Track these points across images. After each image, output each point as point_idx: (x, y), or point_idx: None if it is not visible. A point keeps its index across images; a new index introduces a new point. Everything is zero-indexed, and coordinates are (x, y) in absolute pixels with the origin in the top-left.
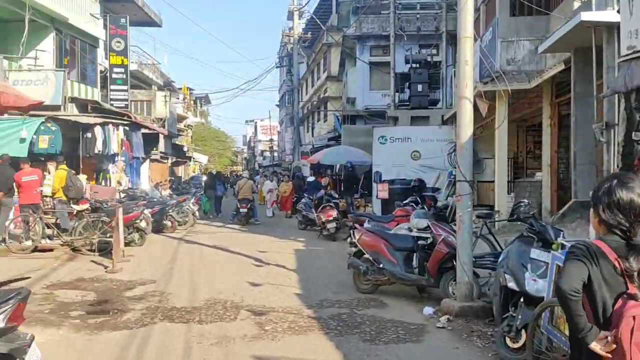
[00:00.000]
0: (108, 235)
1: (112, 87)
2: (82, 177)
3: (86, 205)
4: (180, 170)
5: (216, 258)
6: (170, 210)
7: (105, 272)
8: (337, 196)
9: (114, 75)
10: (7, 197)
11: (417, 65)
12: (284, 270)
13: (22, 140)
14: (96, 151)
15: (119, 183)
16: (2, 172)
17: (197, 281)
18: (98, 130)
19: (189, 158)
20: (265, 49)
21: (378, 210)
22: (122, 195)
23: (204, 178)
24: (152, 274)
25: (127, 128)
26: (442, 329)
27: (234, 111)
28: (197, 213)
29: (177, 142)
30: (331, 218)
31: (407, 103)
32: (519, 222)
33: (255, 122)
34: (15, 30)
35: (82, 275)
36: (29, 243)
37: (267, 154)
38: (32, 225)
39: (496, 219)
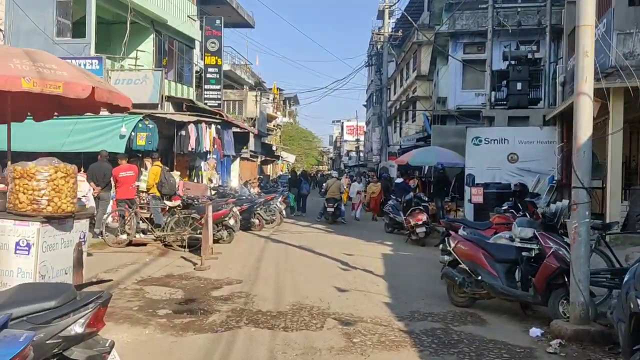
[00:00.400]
0: (198, 231)
1: (206, 86)
2: (176, 174)
3: (178, 202)
4: (268, 169)
5: (302, 259)
6: (258, 209)
7: (194, 269)
8: (426, 199)
9: (208, 75)
10: (105, 191)
11: (516, 62)
12: (371, 276)
13: (122, 136)
14: (189, 149)
15: (210, 180)
16: (99, 167)
17: (283, 283)
18: (192, 128)
19: (278, 157)
20: (355, 49)
21: (470, 215)
22: (213, 192)
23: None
24: (238, 273)
25: (219, 126)
26: (554, 354)
27: (321, 111)
28: (284, 212)
29: (266, 142)
30: (421, 222)
31: (504, 102)
32: (636, 234)
33: (342, 122)
34: (118, 32)
35: (172, 271)
36: (124, 237)
37: (353, 154)
38: (128, 219)
39: (616, 231)
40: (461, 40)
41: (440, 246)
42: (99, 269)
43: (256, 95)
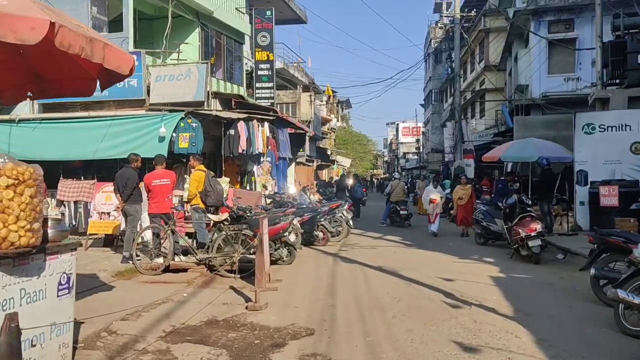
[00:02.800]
0: (251, 251)
1: (258, 84)
2: (224, 181)
3: (225, 215)
4: (324, 174)
5: (389, 288)
6: (322, 219)
7: (246, 308)
8: (529, 202)
9: (259, 72)
10: (131, 204)
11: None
12: (498, 319)
13: (162, 139)
14: (240, 150)
15: (265, 187)
16: (121, 174)
17: (375, 334)
18: (242, 126)
19: (333, 161)
20: (409, 50)
21: (585, 220)
22: (268, 201)
23: (350, 181)
24: (307, 315)
25: (272, 125)
26: None
27: (374, 114)
28: (351, 222)
29: (320, 145)
30: (534, 233)
31: (617, 82)
32: None
33: (397, 124)
34: (161, 28)
35: (216, 313)
36: (160, 261)
37: (410, 156)
38: (164, 239)
39: None
40: (545, 18)
41: (592, 271)
42: (117, 312)
43: (310, 95)
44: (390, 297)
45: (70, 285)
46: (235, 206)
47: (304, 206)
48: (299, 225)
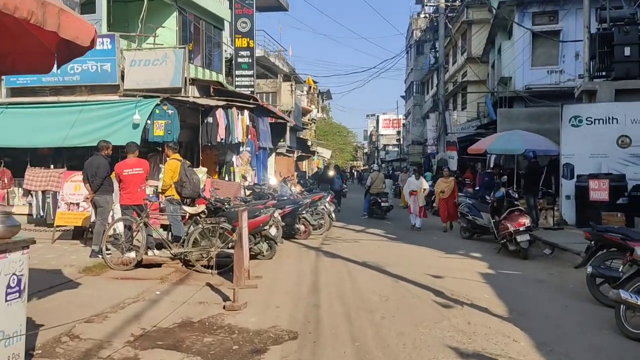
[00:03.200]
0: (230, 245)
1: (237, 72)
2: (201, 171)
3: (202, 207)
4: (304, 165)
5: (376, 286)
6: (304, 211)
7: (224, 309)
8: (516, 196)
9: (239, 60)
10: (101, 195)
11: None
12: (493, 320)
13: (135, 126)
14: (218, 139)
15: (244, 178)
16: (90, 163)
17: (364, 339)
18: (220, 114)
19: (313, 153)
20: (393, 39)
21: (571, 215)
22: (248, 192)
23: (331, 173)
24: (289, 315)
25: (252, 113)
26: None
27: (354, 105)
28: (333, 214)
29: (301, 136)
30: (523, 228)
31: (604, 73)
32: None
33: (377, 116)
34: (136, 11)
35: (191, 314)
36: (132, 255)
37: (390, 148)
38: (136, 232)
39: None
40: (529, 10)
41: (589, 269)
42: (82, 313)
43: (291, 85)
44: (377, 295)
45: (22, 288)
46: (212, 198)
47: (285, 198)
48: (280, 218)
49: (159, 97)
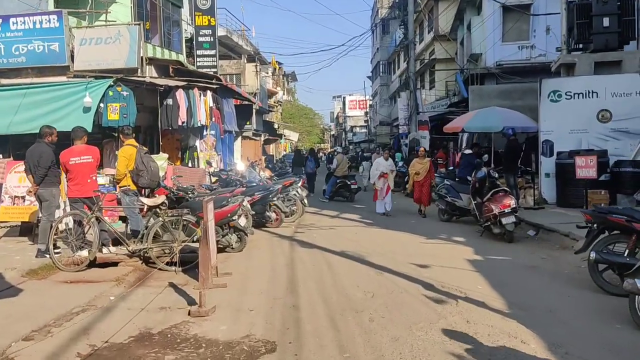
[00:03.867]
0: (195, 238)
1: (199, 52)
2: (161, 157)
3: (162, 198)
4: (271, 149)
5: (359, 280)
6: (275, 198)
7: (189, 315)
8: (497, 175)
9: (200, 39)
10: (45, 187)
11: None
12: (493, 316)
13: (87, 109)
14: (180, 122)
15: (209, 164)
16: (31, 152)
17: (352, 348)
18: (181, 95)
19: (280, 136)
20: (361, 15)
21: (551, 193)
22: (213, 179)
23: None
24: (265, 320)
25: (216, 94)
26: None
27: (322, 87)
28: (306, 200)
29: (267, 119)
30: (508, 209)
31: (581, 46)
32: None
33: (344, 97)
34: None
35: (150, 324)
36: (84, 253)
37: (357, 129)
38: (88, 228)
39: None
40: None
41: (592, 255)
42: (21, 328)
43: (256, 65)
44: (362, 291)
45: None
46: (174, 187)
47: (254, 184)
48: (249, 206)
49: (112, 77)
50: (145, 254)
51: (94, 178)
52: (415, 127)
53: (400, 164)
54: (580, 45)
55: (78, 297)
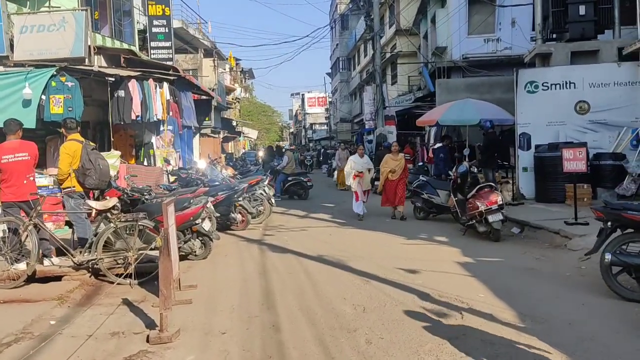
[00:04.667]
0: (153, 245)
1: (153, 43)
2: (113, 155)
3: (114, 201)
4: (230, 147)
5: (344, 291)
6: (240, 198)
7: (148, 342)
8: (475, 170)
9: (154, 30)
10: None
11: None
12: (508, 332)
13: (27, 102)
14: (133, 116)
15: (167, 162)
16: None
17: None
18: (134, 86)
19: (239, 133)
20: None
21: (529, 188)
22: (172, 178)
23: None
24: (241, 346)
25: (173, 87)
26: None
27: (280, 84)
28: (273, 199)
29: (226, 116)
30: (495, 206)
31: (554, 36)
32: None
33: (303, 95)
34: None
35: (98, 355)
36: (21, 266)
37: (317, 127)
38: (25, 236)
39: None
40: None
41: (607, 257)
42: None
43: (214, 60)
44: (350, 305)
45: None
46: (128, 187)
47: (217, 183)
48: (212, 207)
49: (54, 66)
50: (95, 266)
51: (32, 179)
52: (382, 122)
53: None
54: (554, 35)
55: (11, 322)
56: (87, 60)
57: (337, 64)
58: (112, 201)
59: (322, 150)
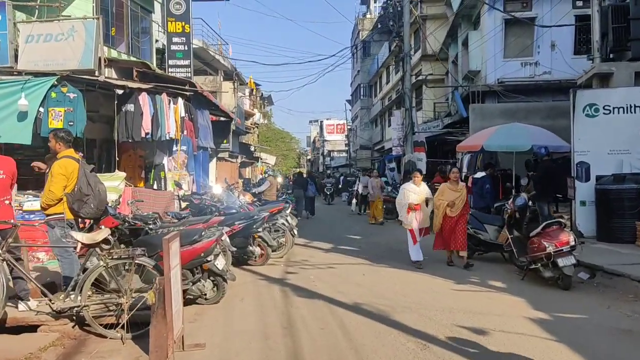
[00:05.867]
0: (154, 289)
1: (171, 62)
2: (117, 177)
3: (105, 233)
4: (247, 172)
5: (391, 356)
6: (260, 229)
7: None
8: (530, 203)
9: (172, 47)
10: None
11: None
12: None
13: (22, 115)
14: (143, 134)
15: (178, 186)
16: None
17: None
18: (145, 100)
19: (257, 159)
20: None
21: (589, 224)
22: (183, 204)
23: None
24: None
25: (189, 103)
26: None
27: (298, 108)
28: (295, 230)
29: (244, 141)
30: (567, 247)
31: (612, 56)
32: None
33: (321, 122)
34: None
35: None
36: None
37: (335, 154)
38: None
39: None
40: None
41: None
42: None
43: (234, 83)
44: None
45: None
46: (130, 214)
47: (234, 211)
48: (228, 240)
49: (55, 75)
50: (79, 313)
51: (7, 202)
52: (410, 148)
53: (389, 189)
54: (611, 55)
55: None
56: (96, 72)
57: (357, 91)
58: (102, 233)
59: (342, 177)
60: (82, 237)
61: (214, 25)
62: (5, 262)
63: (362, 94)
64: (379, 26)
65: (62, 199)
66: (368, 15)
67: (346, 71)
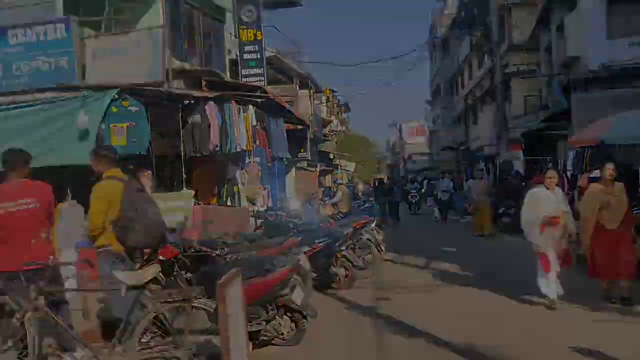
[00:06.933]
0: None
1: (244, 71)
2: (184, 195)
3: (154, 270)
4: (327, 180)
5: None
6: (344, 247)
7: None
8: None
9: (245, 56)
10: None
11: None
12: None
13: (83, 133)
14: (211, 147)
15: (252, 202)
16: None
17: None
18: (212, 110)
19: (336, 166)
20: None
21: None
22: (258, 222)
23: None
24: None
25: (261, 110)
26: None
27: (374, 112)
28: (382, 246)
29: (322, 149)
30: None
31: None
32: None
33: (400, 125)
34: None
35: None
36: None
37: (416, 157)
38: (20, 327)
39: None
40: None
41: None
42: None
43: (310, 89)
44: None
45: None
46: (197, 238)
47: (314, 227)
48: (307, 266)
49: (115, 88)
50: None
51: (43, 236)
52: (505, 146)
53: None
54: None
55: None
56: (166, 85)
57: (438, 90)
58: (150, 271)
59: (427, 181)
60: (125, 277)
61: (287, 32)
62: (38, 312)
63: (442, 93)
64: (463, 14)
65: (106, 227)
66: (446, 12)
67: (420, 72)
